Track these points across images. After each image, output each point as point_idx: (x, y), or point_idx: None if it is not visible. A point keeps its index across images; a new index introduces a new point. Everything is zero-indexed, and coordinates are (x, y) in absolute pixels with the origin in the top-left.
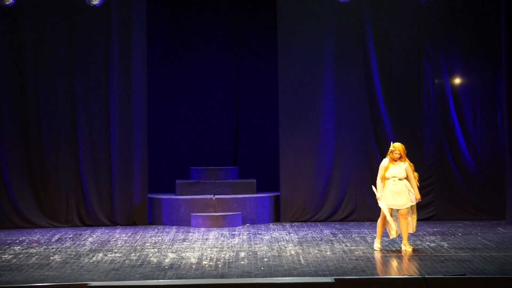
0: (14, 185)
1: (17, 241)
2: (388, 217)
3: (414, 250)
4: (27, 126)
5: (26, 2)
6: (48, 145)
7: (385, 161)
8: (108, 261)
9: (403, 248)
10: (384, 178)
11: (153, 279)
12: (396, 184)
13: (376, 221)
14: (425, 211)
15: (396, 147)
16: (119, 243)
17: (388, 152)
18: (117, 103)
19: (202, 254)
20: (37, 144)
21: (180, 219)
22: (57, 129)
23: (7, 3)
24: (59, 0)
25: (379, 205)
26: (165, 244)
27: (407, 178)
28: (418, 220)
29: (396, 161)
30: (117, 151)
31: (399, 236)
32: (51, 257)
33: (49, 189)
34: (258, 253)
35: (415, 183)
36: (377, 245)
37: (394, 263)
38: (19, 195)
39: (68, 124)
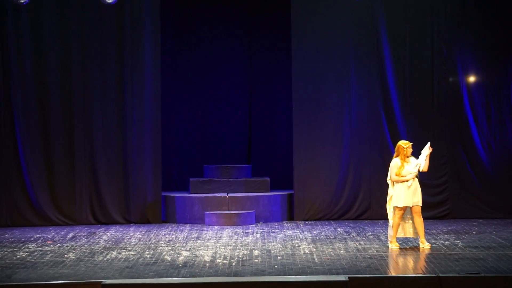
0: (33, 183)
1: (32, 239)
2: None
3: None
4: (45, 124)
5: (41, 1)
6: (64, 144)
7: (397, 161)
8: (122, 259)
9: (421, 245)
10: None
11: (167, 277)
12: (414, 181)
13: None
14: (439, 209)
15: (408, 143)
16: (133, 241)
17: (400, 151)
18: (130, 103)
19: (215, 252)
20: (53, 144)
21: (194, 217)
22: (72, 129)
23: (22, 1)
24: None
25: (395, 204)
26: (179, 242)
27: None
28: (432, 218)
29: (408, 157)
30: (130, 150)
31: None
32: (65, 255)
33: (64, 188)
34: (272, 251)
35: None
36: (395, 244)
37: (408, 261)
38: (37, 194)
39: (83, 124)
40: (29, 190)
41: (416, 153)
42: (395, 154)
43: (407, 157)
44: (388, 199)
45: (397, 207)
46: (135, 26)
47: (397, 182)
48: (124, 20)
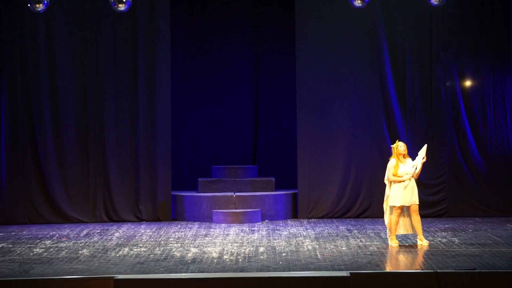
0: (49, 183)
1: (48, 235)
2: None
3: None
4: (60, 127)
5: (56, 10)
6: (78, 147)
7: (393, 162)
8: (134, 255)
9: (419, 243)
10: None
11: (176, 272)
12: (410, 181)
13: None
14: (437, 208)
15: (397, 142)
16: (144, 238)
17: (394, 151)
18: (142, 107)
19: (223, 249)
20: (69, 146)
21: (202, 215)
22: (86, 131)
23: (38, 9)
24: (86, 7)
25: (392, 204)
26: (187, 239)
27: None
28: (430, 216)
29: (404, 157)
30: (142, 150)
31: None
32: (79, 251)
33: (79, 188)
34: (277, 248)
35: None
36: (395, 241)
37: (407, 258)
38: (53, 193)
39: (97, 127)
40: (46, 190)
41: (413, 156)
42: (392, 155)
43: (400, 155)
44: (385, 198)
45: (394, 206)
46: (147, 33)
47: (394, 182)
48: (136, 28)
